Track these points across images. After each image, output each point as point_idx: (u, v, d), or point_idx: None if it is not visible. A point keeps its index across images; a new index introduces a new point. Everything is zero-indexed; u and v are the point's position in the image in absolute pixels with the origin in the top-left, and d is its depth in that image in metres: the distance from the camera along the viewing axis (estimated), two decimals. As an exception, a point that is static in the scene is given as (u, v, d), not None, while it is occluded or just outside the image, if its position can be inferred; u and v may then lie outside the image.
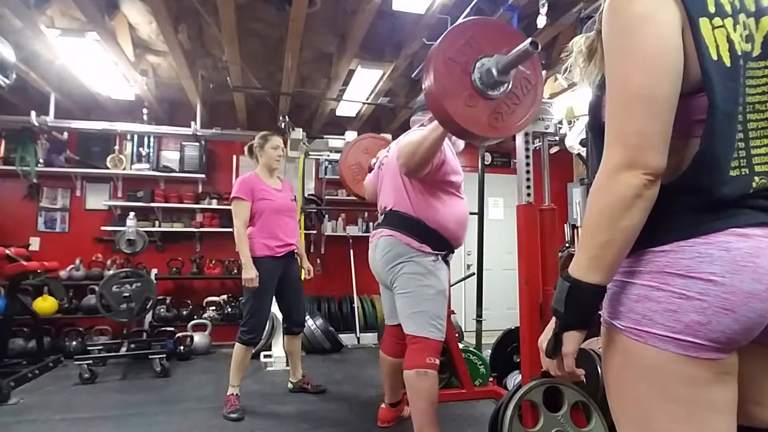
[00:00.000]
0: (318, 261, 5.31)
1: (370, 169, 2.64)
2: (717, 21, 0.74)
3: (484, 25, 1.57)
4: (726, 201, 0.73)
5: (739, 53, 0.74)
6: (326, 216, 5.35)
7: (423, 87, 1.58)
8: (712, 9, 0.74)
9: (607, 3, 0.78)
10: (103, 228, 4.79)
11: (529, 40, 1.36)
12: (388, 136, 4.42)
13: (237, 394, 2.83)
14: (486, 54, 1.52)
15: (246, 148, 3.23)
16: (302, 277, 3.23)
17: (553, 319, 0.83)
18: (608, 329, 0.81)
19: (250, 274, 2.77)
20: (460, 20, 1.54)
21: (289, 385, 3.25)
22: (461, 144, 2.31)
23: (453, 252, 2.23)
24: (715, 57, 0.72)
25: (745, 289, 0.70)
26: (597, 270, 0.77)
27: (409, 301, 2.08)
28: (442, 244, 2.13)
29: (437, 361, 2.04)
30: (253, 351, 3.05)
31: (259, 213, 2.91)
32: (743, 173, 0.74)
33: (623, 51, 0.75)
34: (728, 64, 0.73)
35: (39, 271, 3.80)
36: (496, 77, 1.48)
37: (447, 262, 2.21)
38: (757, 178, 0.75)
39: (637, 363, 0.76)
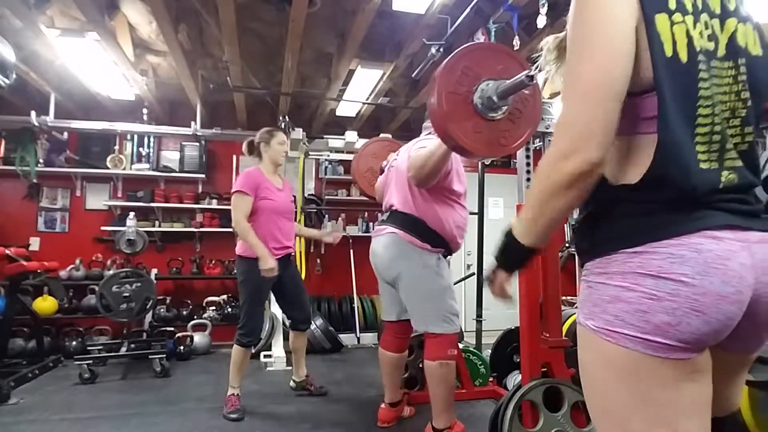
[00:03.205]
0: (318, 261, 5.32)
1: (381, 171, 2.73)
2: (677, 17, 0.74)
3: (474, 52, 1.65)
4: (696, 195, 0.74)
5: (698, 49, 0.75)
6: (326, 216, 5.35)
7: (430, 118, 1.69)
8: (672, 6, 0.75)
9: None
10: (103, 228, 4.78)
11: (524, 73, 1.46)
12: (388, 137, 4.44)
13: (237, 395, 2.82)
14: (484, 78, 1.61)
15: (245, 145, 3.10)
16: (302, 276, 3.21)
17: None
18: (582, 329, 0.82)
19: (269, 264, 2.65)
20: (453, 53, 1.64)
21: (292, 384, 3.22)
22: None
23: (450, 254, 2.36)
24: (669, 53, 0.73)
25: (715, 290, 0.70)
26: (528, 236, 0.87)
27: (420, 301, 2.21)
28: (441, 244, 2.26)
29: (455, 353, 2.23)
30: (253, 351, 3.04)
31: (260, 212, 2.83)
32: (712, 167, 0.75)
33: (576, 43, 0.77)
34: (684, 60, 0.74)
35: (39, 271, 3.80)
36: (497, 102, 1.58)
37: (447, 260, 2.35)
38: (725, 173, 0.75)
39: (610, 363, 0.76)
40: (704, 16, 0.77)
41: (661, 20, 0.73)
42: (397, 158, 2.44)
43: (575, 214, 0.91)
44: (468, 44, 1.69)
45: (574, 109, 0.75)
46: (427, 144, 2.15)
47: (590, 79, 0.73)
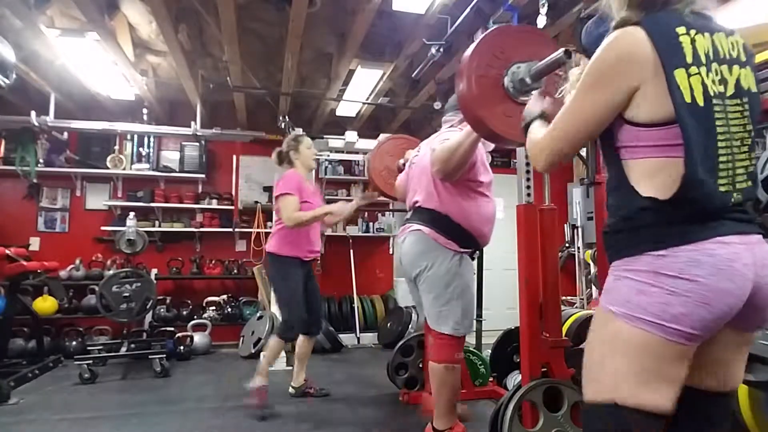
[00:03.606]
0: (318, 261, 5.31)
1: (399, 170, 2.72)
2: (693, 69, 0.93)
3: (504, 34, 1.61)
4: (714, 212, 0.94)
5: (712, 94, 0.94)
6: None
7: (459, 103, 1.65)
8: (689, 60, 0.93)
9: (598, 49, 1.00)
10: (103, 228, 4.79)
11: (563, 49, 1.40)
12: (387, 136, 4.44)
13: (265, 386, 2.83)
14: (514, 61, 1.56)
15: (275, 155, 3.15)
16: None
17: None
18: (602, 312, 1.01)
19: (339, 206, 2.82)
20: (481, 35, 1.60)
21: (291, 391, 3.16)
22: (491, 144, 2.32)
23: (478, 249, 2.29)
24: (688, 99, 0.92)
25: (721, 287, 0.90)
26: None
27: (435, 301, 2.16)
28: (468, 240, 2.19)
29: (462, 356, 2.20)
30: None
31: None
32: (729, 189, 0.94)
33: (580, 100, 1.02)
34: (701, 104, 0.93)
35: (39, 271, 3.80)
36: (530, 84, 1.53)
37: (473, 258, 2.28)
38: (736, 194, 0.95)
39: (624, 341, 0.96)
40: (715, 65, 0.95)
41: (679, 74, 0.92)
42: (418, 154, 2.40)
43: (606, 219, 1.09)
44: (497, 26, 1.67)
45: (559, 138, 1.07)
46: (450, 137, 2.12)
47: (573, 125, 1.04)
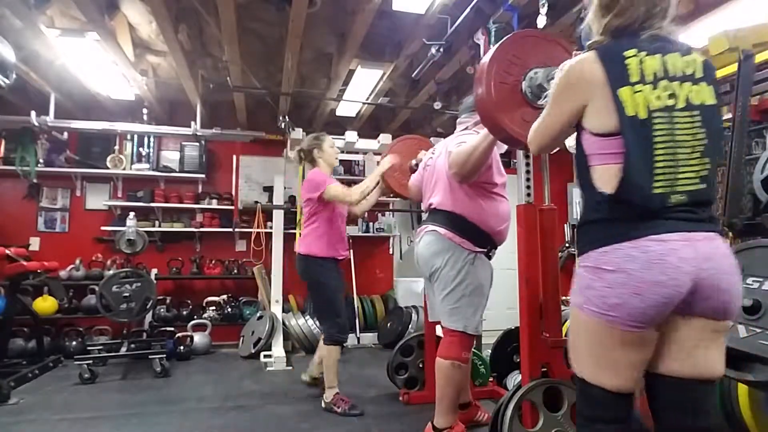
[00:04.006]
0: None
1: (412, 170, 2.74)
2: (638, 87, 1.09)
3: (522, 41, 1.66)
4: (650, 211, 1.07)
5: (654, 108, 1.08)
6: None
7: (478, 108, 1.72)
8: (635, 79, 1.09)
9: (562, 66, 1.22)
10: (103, 228, 4.78)
11: (575, 52, 1.46)
12: (387, 136, 4.45)
13: (339, 392, 2.84)
14: (532, 66, 1.61)
15: (296, 154, 3.18)
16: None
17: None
18: (571, 305, 1.21)
19: (388, 160, 2.82)
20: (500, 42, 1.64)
21: (305, 378, 3.12)
22: (504, 145, 2.34)
23: (495, 248, 2.32)
24: (631, 113, 1.08)
25: (652, 279, 1.04)
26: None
27: (448, 298, 2.20)
28: (484, 239, 2.23)
29: (469, 356, 2.23)
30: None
31: (328, 213, 2.92)
32: (666, 191, 1.07)
33: (549, 108, 1.26)
34: (643, 117, 1.08)
35: (39, 271, 3.80)
36: (548, 90, 1.57)
37: (489, 257, 2.31)
38: (676, 195, 1.07)
39: (583, 328, 1.17)
40: (664, 82, 1.10)
41: (624, 92, 1.09)
42: (433, 156, 2.43)
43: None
44: (515, 32, 1.72)
45: (540, 133, 1.30)
46: (466, 139, 2.16)
47: (543, 128, 1.28)
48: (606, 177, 1.12)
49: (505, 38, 1.66)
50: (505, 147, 2.34)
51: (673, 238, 1.05)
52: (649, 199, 1.06)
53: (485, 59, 1.63)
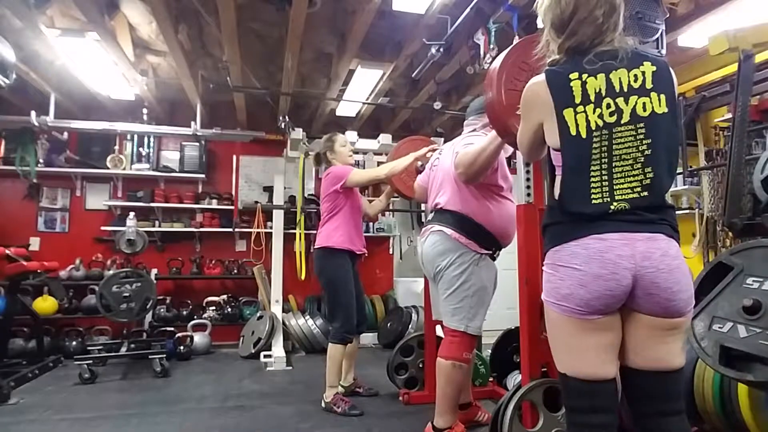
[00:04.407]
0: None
1: (418, 171, 2.74)
2: (580, 108, 1.18)
3: (530, 46, 1.65)
4: (590, 217, 1.18)
5: (594, 127, 1.17)
6: (326, 216, 5.34)
7: (488, 112, 1.80)
8: (577, 100, 1.18)
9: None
10: (103, 228, 4.79)
11: None
12: (387, 136, 4.45)
13: (339, 393, 2.84)
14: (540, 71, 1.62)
15: (314, 158, 3.24)
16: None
17: None
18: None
19: (410, 157, 2.72)
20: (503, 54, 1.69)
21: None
22: (510, 148, 2.35)
23: (500, 250, 2.34)
24: (573, 132, 1.19)
25: (593, 272, 1.15)
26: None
27: (450, 298, 2.21)
28: (489, 240, 2.25)
29: (470, 356, 2.23)
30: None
31: (346, 208, 2.93)
32: (605, 201, 1.17)
33: (521, 122, 1.38)
34: (584, 136, 1.18)
35: (39, 271, 3.80)
36: None
37: (494, 259, 2.32)
38: (615, 204, 1.16)
39: (550, 320, 1.28)
40: (607, 100, 1.17)
41: (567, 113, 1.19)
42: (440, 157, 2.44)
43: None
44: (523, 38, 1.77)
45: (519, 143, 1.42)
46: (474, 141, 2.17)
47: (520, 139, 1.40)
48: (558, 186, 1.25)
49: (513, 44, 1.70)
50: (512, 150, 2.36)
51: (612, 237, 1.15)
52: (587, 208, 1.18)
53: (495, 65, 1.68)
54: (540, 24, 1.36)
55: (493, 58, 2.95)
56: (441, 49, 3.18)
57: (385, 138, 4.45)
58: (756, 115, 3.45)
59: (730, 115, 3.55)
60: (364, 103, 4.60)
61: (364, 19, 3.02)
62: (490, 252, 2.28)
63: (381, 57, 3.74)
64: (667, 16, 2.18)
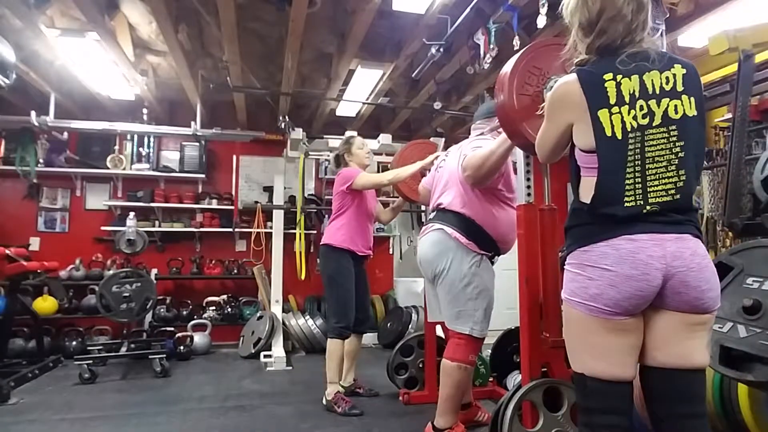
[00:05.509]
0: (318, 261, 5.31)
1: (423, 175, 2.75)
2: (615, 109, 1.18)
3: (539, 51, 1.73)
4: (622, 219, 1.17)
5: (629, 128, 1.17)
6: (326, 216, 5.35)
7: (499, 117, 1.81)
8: (612, 101, 1.18)
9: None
10: (103, 228, 4.78)
11: None
12: (387, 136, 4.44)
13: (340, 391, 2.85)
14: (551, 75, 1.69)
15: (333, 160, 3.28)
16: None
17: None
18: (563, 305, 1.30)
19: (417, 164, 2.70)
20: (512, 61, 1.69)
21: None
22: (518, 152, 2.36)
23: (499, 255, 2.34)
24: (609, 134, 1.18)
25: (624, 273, 1.15)
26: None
27: (454, 301, 2.21)
28: (489, 245, 2.25)
29: (475, 358, 2.22)
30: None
31: (354, 210, 2.94)
32: (638, 203, 1.17)
33: (545, 123, 1.35)
34: (619, 138, 1.17)
35: (39, 271, 3.80)
36: None
37: (492, 262, 2.32)
38: (648, 206, 1.17)
39: (571, 320, 1.27)
40: (641, 101, 1.17)
41: (602, 114, 1.18)
42: (446, 159, 2.45)
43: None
44: (533, 44, 1.78)
45: (538, 144, 1.40)
46: (482, 144, 2.18)
47: (543, 141, 1.37)
48: (587, 187, 1.23)
49: (524, 50, 1.72)
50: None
51: (643, 237, 1.16)
52: (620, 211, 1.17)
53: (506, 69, 1.70)
54: (541, 23, 1.37)
55: (493, 58, 2.97)
56: (441, 49, 3.17)
57: (385, 138, 4.45)
58: (756, 115, 3.45)
59: (730, 115, 3.55)
60: (364, 103, 4.60)
61: (364, 19, 3.02)
62: (490, 254, 2.28)
63: (381, 57, 3.74)
64: (667, 16, 2.19)
